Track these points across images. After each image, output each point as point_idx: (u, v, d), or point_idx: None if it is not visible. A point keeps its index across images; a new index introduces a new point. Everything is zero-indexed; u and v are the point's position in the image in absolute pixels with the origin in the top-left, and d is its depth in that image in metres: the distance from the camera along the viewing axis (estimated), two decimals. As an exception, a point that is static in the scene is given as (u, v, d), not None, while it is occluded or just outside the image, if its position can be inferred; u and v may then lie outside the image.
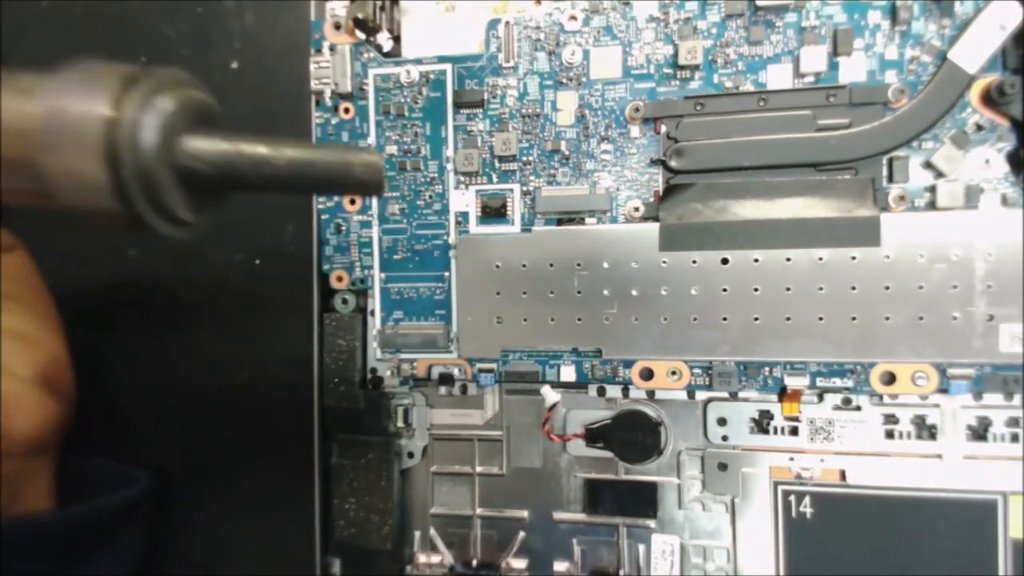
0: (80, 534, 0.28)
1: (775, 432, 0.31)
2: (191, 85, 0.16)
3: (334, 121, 0.33)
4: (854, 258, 0.28)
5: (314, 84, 0.33)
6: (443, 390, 0.33)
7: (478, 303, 0.32)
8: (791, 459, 0.31)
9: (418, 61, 0.33)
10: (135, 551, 0.31)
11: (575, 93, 0.31)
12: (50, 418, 0.27)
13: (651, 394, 0.32)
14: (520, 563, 0.33)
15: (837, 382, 0.30)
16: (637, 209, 0.31)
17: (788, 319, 0.29)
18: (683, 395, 0.32)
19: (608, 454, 0.33)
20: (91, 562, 0.28)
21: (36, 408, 0.27)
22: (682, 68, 0.30)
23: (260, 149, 0.16)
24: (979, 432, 0.29)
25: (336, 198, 0.34)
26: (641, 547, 0.33)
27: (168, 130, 0.15)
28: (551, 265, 0.31)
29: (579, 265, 0.31)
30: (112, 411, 0.30)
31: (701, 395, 0.32)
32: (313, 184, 0.19)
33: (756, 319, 0.29)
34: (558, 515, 0.33)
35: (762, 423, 0.31)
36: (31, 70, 0.15)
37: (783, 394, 0.31)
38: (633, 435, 0.32)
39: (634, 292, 0.30)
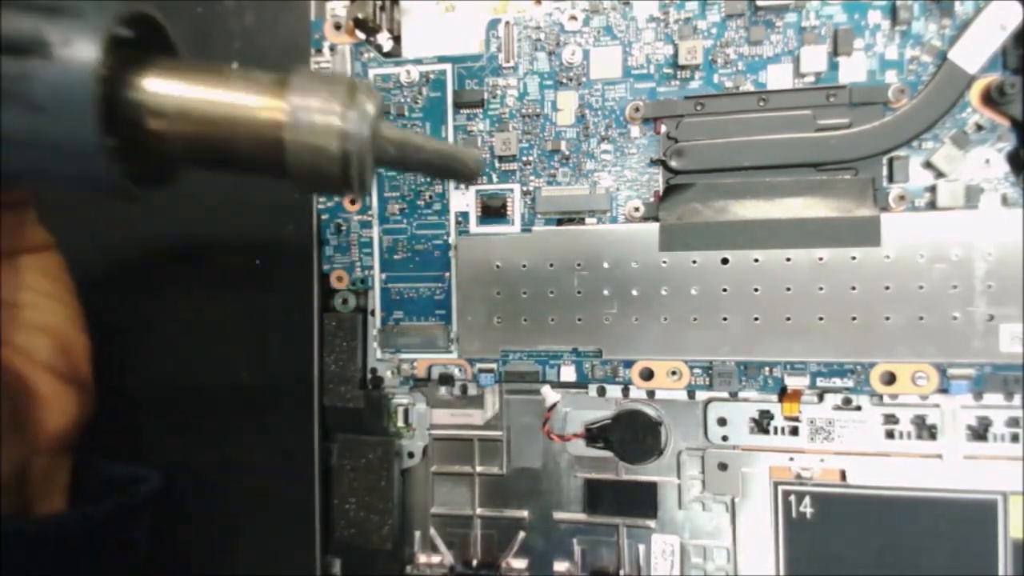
0: (94, 534, 0.28)
1: (775, 432, 0.31)
2: (376, 91, 0.21)
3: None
4: (854, 258, 0.28)
5: (314, 84, 0.33)
6: (443, 390, 0.33)
7: (478, 303, 0.32)
8: (791, 459, 0.31)
9: (418, 61, 0.33)
10: (136, 551, 0.31)
11: (575, 93, 0.31)
12: (79, 413, 0.28)
13: (651, 394, 0.32)
14: (520, 563, 0.33)
15: (837, 382, 0.30)
16: (637, 209, 0.31)
17: (788, 319, 0.29)
18: (683, 395, 0.32)
19: (608, 454, 0.33)
20: (103, 562, 0.28)
21: (68, 404, 0.27)
22: (682, 68, 0.30)
23: (419, 139, 0.22)
24: (979, 432, 0.29)
25: (336, 198, 0.34)
26: (641, 547, 0.33)
27: (373, 122, 0.20)
28: (551, 265, 0.31)
29: (579, 265, 0.31)
30: (112, 411, 0.30)
31: (701, 395, 0.32)
32: (441, 170, 0.24)
33: (756, 319, 0.29)
34: (558, 515, 0.33)
35: (762, 423, 0.31)
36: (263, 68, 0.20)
37: (783, 394, 0.31)
38: (633, 435, 0.32)
39: (634, 292, 0.30)
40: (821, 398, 0.31)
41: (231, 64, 0.34)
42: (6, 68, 0.18)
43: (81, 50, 0.18)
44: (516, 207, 0.32)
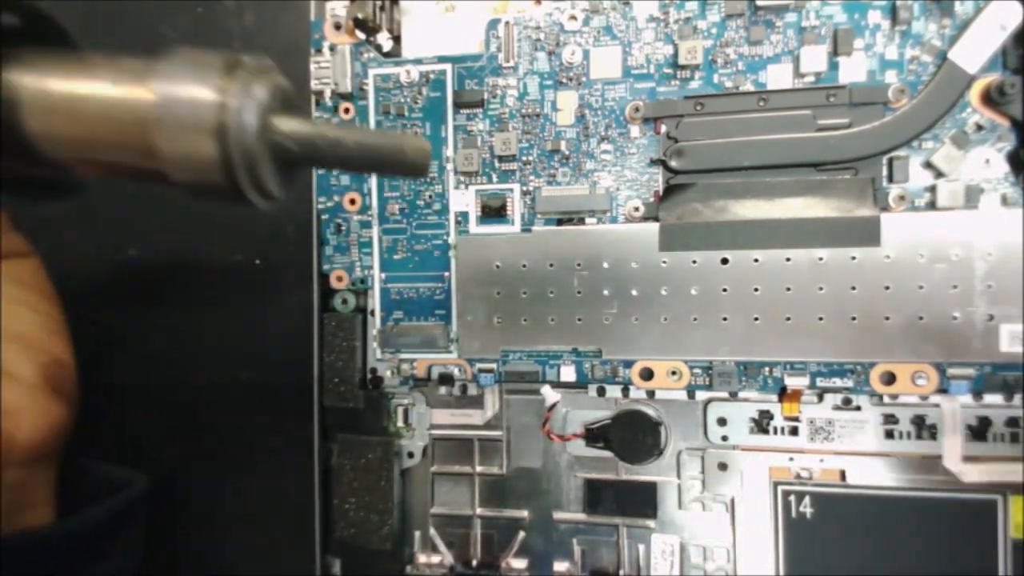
0: (80, 543, 0.27)
1: (775, 432, 0.31)
2: (276, 72, 0.18)
3: (334, 121, 0.33)
4: (854, 258, 0.28)
5: (314, 84, 0.33)
6: (443, 390, 0.33)
7: (478, 303, 0.32)
8: (791, 459, 0.31)
9: (418, 61, 0.33)
10: (133, 554, 0.31)
11: (575, 93, 0.31)
12: (55, 423, 0.27)
13: (651, 394, 0.32)
14: (520, 563, 0.33)
15: (837, 382, 0.30)
16: (637, 209, 0.31)
17: (788, 319, 0.29)
18: (683, 395, 0.32)
19: (608, 454, 0.33)
20: (90, 569, 0.28)
21: (41, 413, 0.26)
22: (682, 68, 0.30)
23: (335, 132, 0.18)
24: (979, 432, 0.29)
25: (336, 198, 0.34)
26: (641, 547, 0.33)
27: (264, 112, 0.16)
28: (551, 265, 0.31)
29: (579, 265, 0.31)
30: (112, 411, 0.30)
31: (701, 395, 0.32)
32: (372, 164, 0.21)
33: (756, 319, 0.29)
34: (558, 515, 0.33)
35: (762, 423, 0.31)
36: (130, 55, 0.17)
37: (783, 394, 0.31)
38: (633, 435, 0.32)
39: (634, 292, 0.30)
40: (821, 398, 0.31)
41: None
42: None
43: None
44: (516, 207, 0.32)
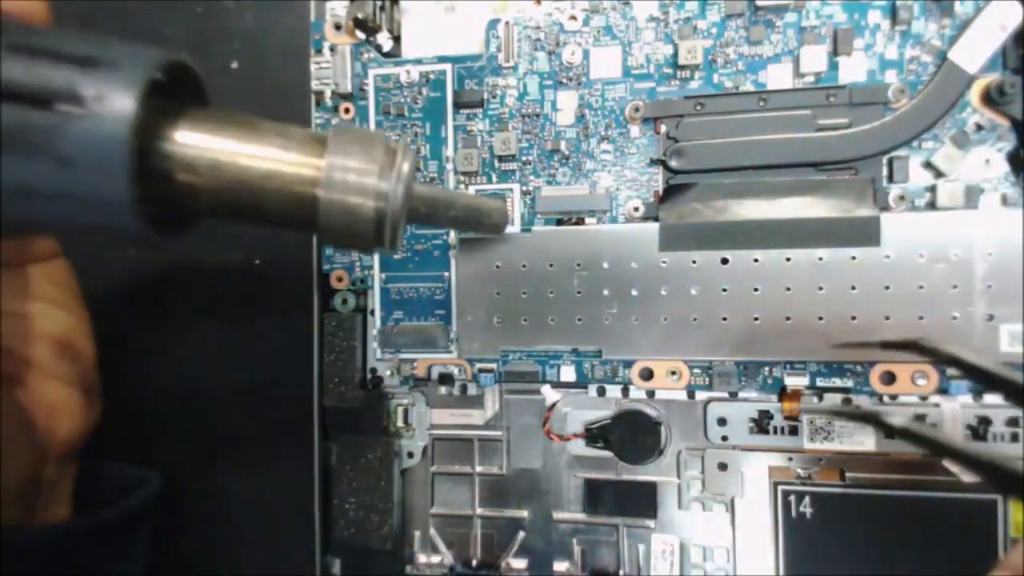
0: (99, 540, 0.28)
1: (775, 432, 0.31)
2: (411, 148, 0.21)
3: (334, 121, 0.34)
4: (854, 258, 0.28)
5: (314, 84, 0.33)
6: (443, 390, 0.33)
7: (478, 303, 0.32)
8: (791, 459, 0.31)
9: (418, 61, 0.33)
10: (146, 552, 0.31)
11: (575, 93, 0.31)
12: (86, 420, 0.28)
13: (651, 394, 0.32)
14: (520, 563, 0.33)
15: (837, 382, 0.30)
16: (637, 209, 0.31)
17: (788, 319, 0.29)
18: (683, 395, 0.32)
19: (608, 454, 0.33)
20: (107, 567, 0.28)
21: (77, 411, 0.27)
22: (682, 68, 0.30)
23: (447, 195, 0.24)
24: (979, 432, 0.29)
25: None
26: (641, 547, 0.33)
27: (408, 184, 0.20)
28: (551, 265, 0.31)
29: (579, 265, 0.31)
30: (112, 411, 0.30)
31: (701, 395, 0.32)
32: (469, 224, 0.26)
33: (756, 319, 0.29)
34: (558, 515, 0.33)
35: (762, 423, 0.31)
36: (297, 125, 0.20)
37: (783, 394, 0.31)
38: (633, 435, 0.32)
39: (634, 292, 0.30)
40: (821, 398, 0.31)
41: (231, 64, 0.34)
42: (37, 121, 0.17)
43: (115, 104, 0.17)
44: (516, 207, 0.32)
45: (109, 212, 0.18)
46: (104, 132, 0.17)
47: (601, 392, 0.32)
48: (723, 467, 0.32)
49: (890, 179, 0.29)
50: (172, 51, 0.19)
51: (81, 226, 0.19)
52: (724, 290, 0.29)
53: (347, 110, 0.33)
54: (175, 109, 0.19)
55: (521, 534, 0.34)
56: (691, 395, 0.32)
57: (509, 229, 0.32)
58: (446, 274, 0.33)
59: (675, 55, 0.30)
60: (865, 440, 0.30)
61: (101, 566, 0.28)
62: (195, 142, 0.19)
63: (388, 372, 0.34)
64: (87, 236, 0.24)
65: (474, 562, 0.34)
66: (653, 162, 0.31)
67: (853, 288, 0.28)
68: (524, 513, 0.34)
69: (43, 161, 0.17)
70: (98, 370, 0.29)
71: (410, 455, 0.34)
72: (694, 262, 0.30)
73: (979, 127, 0.28)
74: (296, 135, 0.20)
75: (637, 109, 0.31)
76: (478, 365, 0.33)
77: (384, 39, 0.33)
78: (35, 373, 0.26)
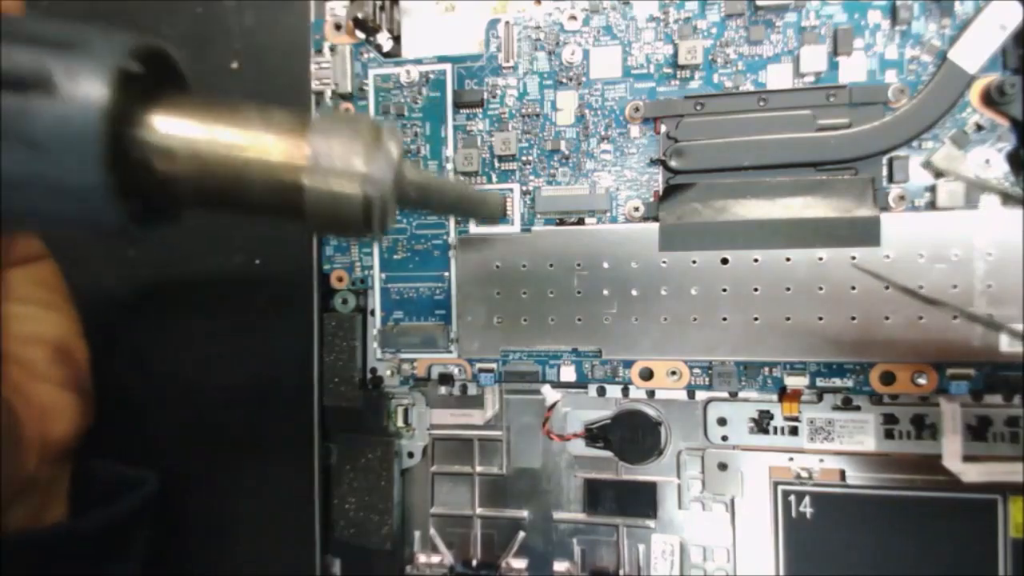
0: (96, 540, 0.28)
1: (775, 432, 0.31)
2: (398, 132, 0.21)
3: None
4: (854, 258, 0.28)
5: (314, 84, 0.33)
6: (443, 390, 0.33)
7: (478, 303, 0.32)
8: (791, 459, 0.31)
9: (418, 61, 0.33)
10: (143, 553, 0.31)
11: (575, 93, 0.31)
12: (81, 421, 0.28)
13: (651, 394, 0.32)
14: (520, 563, 0.33)
15: (837, 382, 0.30)
16: (637, 209, 0.31)
17: (788, 319, 0.29)
18: (683, 395, 0.32)
19: (608, 454, 0.33)
20: (105, 567, 0.28)
21: (70, 412, 0.27)
22: (682, 68, 0.30)
23: (439, 181, 0.23)
24: (979, 432, 0.29)
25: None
26: (641, 547, 0.33)
27: (397, 167, 0.19)
28: (551, 265, 0.31)
29: (579, 265, 0.31)
30: (110, 411, 0.30)
31: (701, 395, 0.32)
32: (462, 210, 0.25)
33: (756, 319, 0.29)
34: (558, 515, 0.33)
35: (762, 423, 0.31)
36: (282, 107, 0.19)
37: (783, 394, 0.31)
38: (633, 435, 0.32)
39: (634, 292, 0.30)
40: (821, 398, 0.31)
41: (231, 64, 0.34)
42: (8, 105, 0.16)
43: (87, 88, 0.16)
44: (516, 207, 0.32)
45: (83, 201, 0.17)
46: (76, 116, 0.16)
47: (601, 392, 0.32)
48: (723, 467, 0.32)
49: (890, 179, 0.29)
50: (148, 37, 0.18)
51: (56, 218, 0.18)
52: (724, 290, 0.29)
53: (347, 110, 0.33)
54: (152, 95, 0.19)
55: (521, 534, 0.34)
56: (691, 395, 0.32)
57: (509, 229, 0.32)
58: (446, 274, 0.33)
59: (675, 55, 0.30)
60: (865, 440, 0.30)
61: (99, 567, 0.28)
62: (173, 128, 0.18)
63: (388, 372, 0.34)
64: (65, 229, 0.23)
65: (474, 562, 0.34)
66: (653, 162, 0.31)
67: (853, 288, 0.28)
68: (524, 513, 0.34)
69: (14, 146, 0.16)
70: (92, 371, 0.29)
71: (410, 455, 0.34)
72: (694, 262, 0.30)
73: (979, 127, 0.28)
74: (279, 119, 0.19)
75: (637, 109, 0.31)
76: (478, 365, 0.33)
77: (384, 39, 0.33)
78: (27, 376, 0.26)
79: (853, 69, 0.29)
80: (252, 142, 0.19)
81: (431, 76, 0.32)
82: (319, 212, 0.19)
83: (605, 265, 0.30)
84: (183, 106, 0.19)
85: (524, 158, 0.32)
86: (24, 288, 0.26)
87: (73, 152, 0.17)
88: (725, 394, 0.31)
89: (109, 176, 0.17)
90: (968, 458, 0.29)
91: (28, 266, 0.26)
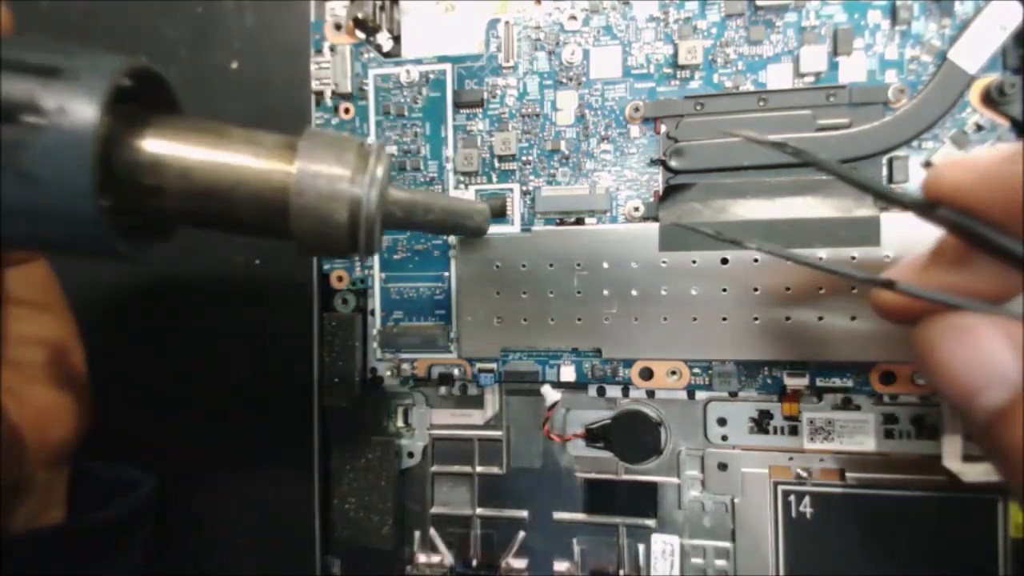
0: (95, 541, 0.28)
1: (775, 432, 0.31)
2: (385, 150, 0.21)
3: (334, 121, 0.34)
4: (854, 258, 0.28)
5: (314, 84, 0.33)
6: (443, 390, 0.33)
7: (478, 303, 0.32)
8: (791, 459, 0.31)
9: (418, 61, 0.33)
10: (142, 554, 0.31)
11: (575, 93, 0.31)
12: (79, 423, 0.28)
13: (651, 394, 0.32)
14: (520, 563, 0.33)
15: (837, 382, 0.30)
16: (637, 209, 0.31)
17: (788, 319, 0.29)
18: (683, 395, 0.32)
19: (608, 454, 0.33)
20: (105, 568, 0.28)
21: (68, 414, 0.27)
22: (682, 68, 0.30)
23: (425, 199, 0.23)
24: (979, 432, 0.29)
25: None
26: (641, 547, 0.33)
27: (382, 188, 0.20)
28: (551, 265, 0.31)
29: (579, 265, 0.31)
30: (110, 411, 0.30)
31: (701, 395, 0.32)
32: (448, 228, 0.26)
33: (756, 319, 0.29)
34: (558, 515, 0.33)
35: (762, 423, 0.31)
36: (268, 129, 0.20)
37: (783, 394, 0.31)
38: (633, 435, 0.32)
39: (634, 292, 0.30)
40: (821, 398, 0.31)
41: (231, 64, 0.34)
42: None
43: (77, 116, 0.16)
44: (516, 207, 0.32)
45: (76, 227, 0.17)
46: (66, 145, 0.16)
47: (601, 392, 0.32)
48: (723, 467, 0.32)
49: (890, 179, 0.29)
50: (135, 58, 0.18)
51: (49, 243, 0.18)
52: (724, 290, 0.29)
53: (347, 110, 0.33)
54: (142, 117, 0.19)
55: (521, 534, 0.34)
56: (691, 395, 0.32)
57: (509, 229, 0.32)
58: (446, 274, 0.33)
59: (675, 55, 0.30)
60: (865, 440, 0.30)
61: (98, 567, 0.28)
62: (162, 151, 0.19)
63: (388, 372, 0.34)
64: (61, 254, 0.23)
65: (474, 562, 0.34)
66: (653, 162, 0.31)
67: (853, 289, 0.28)
68: (524, 513, 0.34)
69: (6, 176, 0.16)
70: (90, 372, 0.29)
71: (410, 455, 0.35)
72: (694, 262, 0.30)
73: (979, 127, 0.28)
74: (266, 141, 0.19)
75: (637, 109, 0.31)
76: (478, 365, 0.33)
77: (384, 39, 0.33)
78: (22, 378, 0.26)
79: (853, 69, 0.29)
80: (240, 163, 0.19)
81: (431, 76, 0.32)
82: (306, 233, 0.19)
83: (605, 265, 0.30)
84: (171, 128, 0.19)
85: (524, 158, 0.32)
86: (17, 289, 0.26)
87: (64, 180, 0.16)
88: (725, 394, 0.31)
89: (100, 201, 0.17)
90: (968, 458, 0.29)
91: (20, 267, 0.26)
